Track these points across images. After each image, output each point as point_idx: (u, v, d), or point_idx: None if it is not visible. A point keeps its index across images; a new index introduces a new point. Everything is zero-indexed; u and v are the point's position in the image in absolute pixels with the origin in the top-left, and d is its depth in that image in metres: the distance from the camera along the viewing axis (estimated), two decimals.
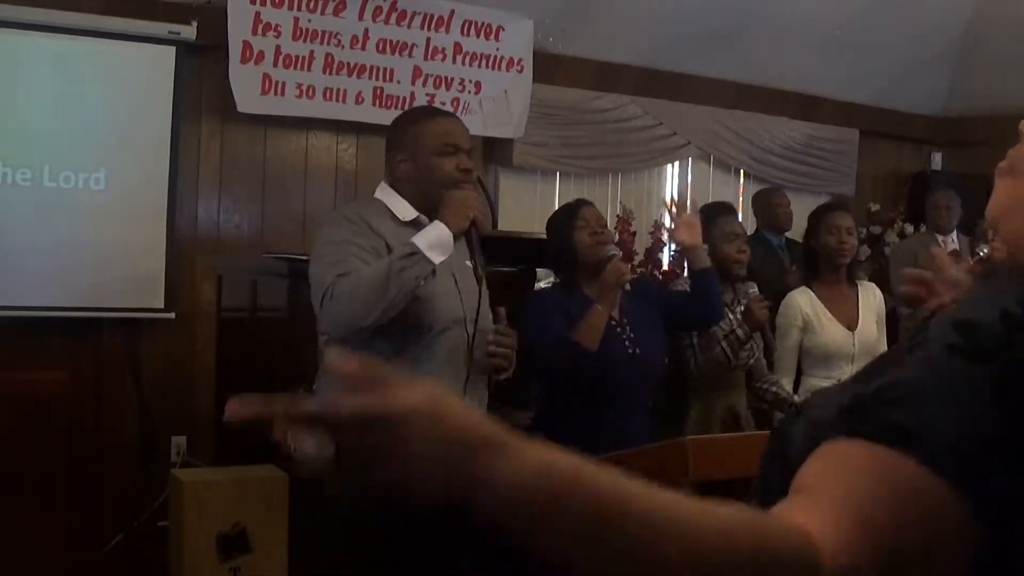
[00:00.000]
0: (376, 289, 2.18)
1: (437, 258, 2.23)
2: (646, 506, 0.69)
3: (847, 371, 3.47)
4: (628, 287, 3.17)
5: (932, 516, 0.74)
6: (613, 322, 3.04)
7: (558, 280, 3.23)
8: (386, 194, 2.44)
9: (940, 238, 5.36)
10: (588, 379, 2.94)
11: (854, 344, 3.46)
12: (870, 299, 3.58)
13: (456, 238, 2.29)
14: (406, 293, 2.20)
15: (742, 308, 3.36)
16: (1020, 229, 0.92)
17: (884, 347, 3.62)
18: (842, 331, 3.47)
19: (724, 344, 3.24)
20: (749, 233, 5.27)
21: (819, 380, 3.49)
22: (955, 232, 5.35)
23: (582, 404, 2.96)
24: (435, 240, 2.24)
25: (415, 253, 2.21)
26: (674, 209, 3.27)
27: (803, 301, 3.50)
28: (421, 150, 2.40)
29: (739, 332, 3.24)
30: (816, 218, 3.59)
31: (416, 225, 2.35)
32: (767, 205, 5.39)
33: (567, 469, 0.69)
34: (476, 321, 2.37)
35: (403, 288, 2.19)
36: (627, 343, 3.03)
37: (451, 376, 2.34)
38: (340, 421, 0.64)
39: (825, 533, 0.73)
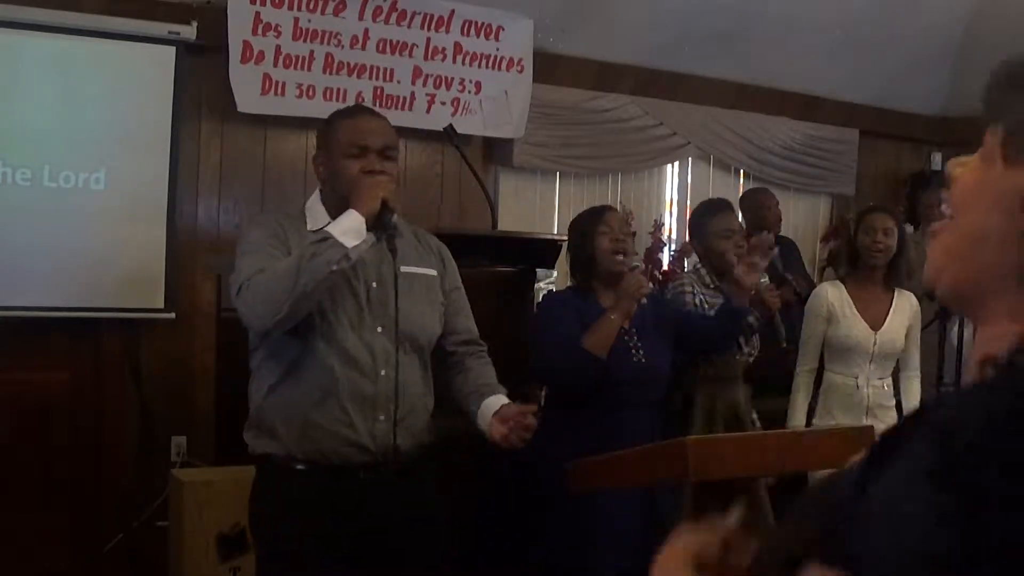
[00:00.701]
0: (288, 277, 2.14)
1: (350, 242, 2.16)
2: None
3: (866, 370, 3.50)
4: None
5: None
6: (622, 329, 3.04)
7: (574, 282, 3.23)
8: (312, 201, 2.43)
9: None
10: (593, 384, 2.94)
11: (875, 343, 3.49)
12: (904, 307, 3.60)
13: (369, 223, 2.21)
14: (319, 280, 2.14)
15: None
16: (957, 278, 0.88)
17: (912, 356, 3.64)
18: (864, 328, 3.50)
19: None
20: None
21: (838, 376, 3.53)
22: None
23: (587, 407, 2.96)
24: (347, 226, 2.18)
25: (327, 239, 2.16)
26: (745, 244, 3.31)
27: (832, 293, 3.57)
28: (332, 153, 2.36)
29: (751, 319, 3.27)
30: (859, 217, 3.66)
31: None
32: (755, 205, 5.39)
33: None
34: (396, 325, 2.29)
35: (315, 274, 2.13)
36: (633, 351, 3.03)
37: (355, 389, 2.27)
38: None
39: None
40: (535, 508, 3.02)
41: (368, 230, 2.21)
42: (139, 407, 4.20)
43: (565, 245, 3.32)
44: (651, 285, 3.05)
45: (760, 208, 5.35)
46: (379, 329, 2.31)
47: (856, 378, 3.51)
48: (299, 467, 2.28)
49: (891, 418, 3.49)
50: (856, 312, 3.53)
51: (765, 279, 3.44)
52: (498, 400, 2.40)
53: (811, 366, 3.58)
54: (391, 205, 2.24)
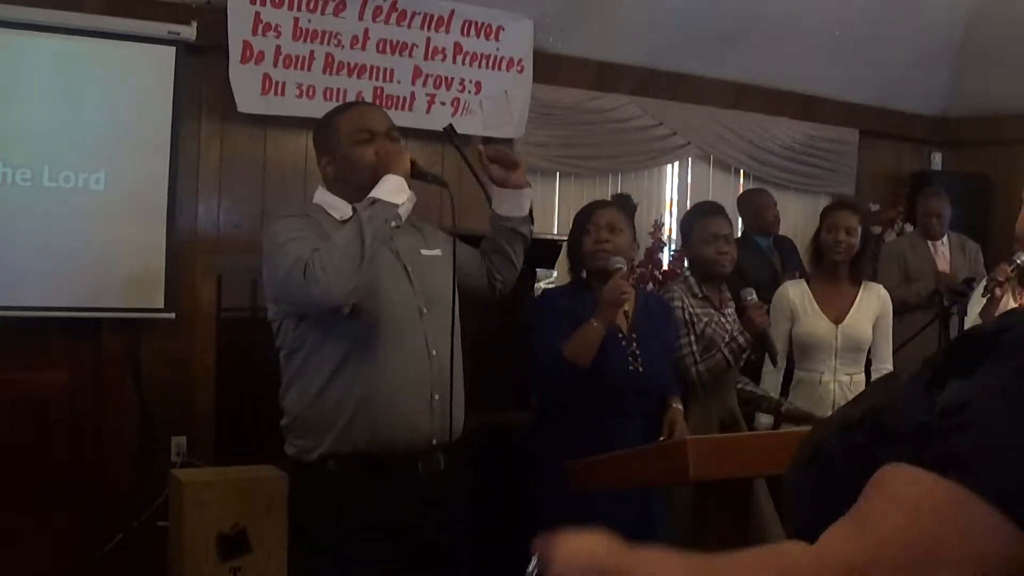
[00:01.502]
0: (353, 243, 2.16)
1: (399, 198, 2.24)
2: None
3: (831, 365, 3.49)
4: (647, 302, 3.12)
5: (994, 552, 0.73)
6: (620, 335, 3.00)
7: (573, 278, 3.20)
8: (323, 197, 2.45)
9: (930, 243, 5.34)
10: (585, 390, 2.91)
11: (836, 337, 3.47)
12: (871, 299, 3.59)
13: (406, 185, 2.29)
14: (382, 240, 2.20)
15: (734, 310, 3.36)
16: None
17: (882, 348, 3.63)
18: (825, 323, 3.49)
19: (726, 351, 3.23)
20: (737, 235, 5.31)
21: (804, 373, 3.52)
22: (946, 236, 5.34)
23: (579, 411, 2.94)
24: (388, 187, 2.25)
25: (376, 201, 2.21)
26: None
27: (793, 292, 3.57)
28: (338, 146, 2.40)
29: (740, 339, 3.23)
30: (823, 214, 3.65)
31: None
32: (753, 207, 5.39)
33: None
34: (433, 306, 2.38)
35: (377, 233, 2.18)
36: (631, 360, 2.98)
37: (412, 369, 2.31)
38: None
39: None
40: (529, 508, 3.02)
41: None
42: (139, 407, 4.20)
43: (565, 244, 3.31)
44: (633, 290, 2.98)
45: (758, 209, 5.36)
46: (424, 311, 2.36)
47: (821, 374, 3.50)
48: (357, 463, 2.26)
49: None
50: (817, 308, 3.53)
51: (752, 294, 3.40)
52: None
53: (779, 365, 3.57)
54: (419, 165, 2.35)
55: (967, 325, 4.03)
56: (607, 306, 2.86)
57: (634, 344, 3.01)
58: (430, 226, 2.66)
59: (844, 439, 0.90)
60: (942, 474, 0.74)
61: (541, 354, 2.91)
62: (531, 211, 2.72)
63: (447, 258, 2.50)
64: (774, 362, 3.43)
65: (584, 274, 3.10)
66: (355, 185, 2.35)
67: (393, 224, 2.22)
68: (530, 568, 1.05)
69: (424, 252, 2.48)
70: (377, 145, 2.37)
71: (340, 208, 2.38)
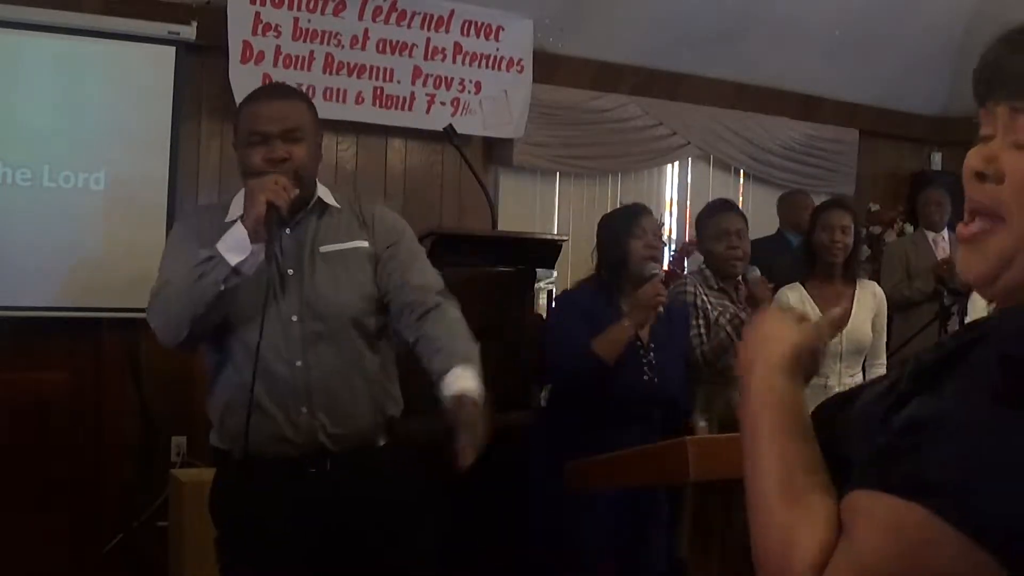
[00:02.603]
0: (180, 299, 2.11)
1: (234, 259, 2.06)
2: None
3: (835, 369, 3.47)
4: (668, 312, 3.12)
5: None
6: (639, 343, 2.99)
7: (592, 282, 3.18)
8: (240, 191, 2.29)
9: (931, 236, 5.36)
10: (600, 396, 2.90)
11: (842, 343, 3.46)
12: (867, 298, 3.57)
13: (257, 232, 2.07)
14: (209, 300, 2.07)
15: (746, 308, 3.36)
16: (1018, 280, 0.84)
17: (878, 346, 3.61)
18: None
19: (729, 328, 3.24)
20: (770, 233, 5.33)
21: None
22: (946, 229, 5.35)
23: (590, 417, 2.93)
24: (232, 241, 2.08)
25: (213, 257, 2.08)
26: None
27: (792, 297, 3.51)
28: (239, 139, 2.30)
29: (742, 315, 3.25)
30: (815, 215, 3.60)
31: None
32: (791, 206, 5.45)
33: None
34: (307, 309, 2.19)
35: (204, 296, 2.07)
36: (646, 369, 2.98)
37: (277, 381, 2.17)
38: None
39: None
40: (529, 506, 3.02)
41: (263, 237, 2.08)
42: (139, 407, 4.20)
43: (566, 245, 3.30)
44: (664, 295, 2.98)
45: (797, 209, 5.39)
46: (294, 318, 2.18)
47: (827, 379, 3.47)
48: (241, 460, 2.19)
49: None
50: (820, 313, 3.49)
51: (756, 272, 3.39)
52: (456, 379, 2.09)
53: None
54: (277, 204, 2.09)
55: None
56: (642, 308, 2.90)
57: (651, 354, 3.00)
58: (370, 210, 2.39)
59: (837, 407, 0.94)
60: (912, 499, 0.74)
61: (567, 346, 2.91)
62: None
63: (354, 252, 2.28)
64: None
65: (621, 279, 3.05)
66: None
67: (223, 287, 2.06)
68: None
69: (326, 248, 2.25)
70: (267, 150, 2.20)
71: (236, 209, 2.22)
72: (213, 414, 2.30)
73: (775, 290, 3.51)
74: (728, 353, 3.28)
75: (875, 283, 3.68)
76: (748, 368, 0.99)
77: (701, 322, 3.30)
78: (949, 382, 0.77)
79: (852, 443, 0.85)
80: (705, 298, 3.35)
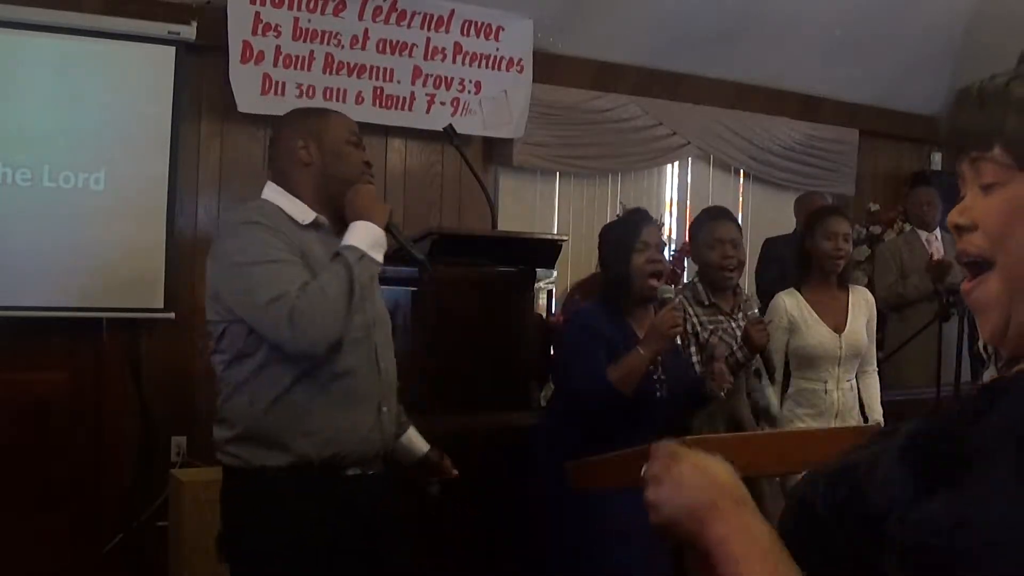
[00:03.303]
0: (344, 296, 2.08)
1: (380, 256, 2.18)
2: None
3: (834, 373, 3.47)
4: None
5: None
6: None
7: (599, 297, 3.12)
8: (277, 195, 2.27)
9: (924, 235, 5.37)
10: (612, 413, 2.87)
11: (840, 347, 3.45)
12: (860, 302, 3.57)
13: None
14: (364, 297, 2.14)
15: (742, 320, 3.33)
16: None
17: (869, 352, 3.61)
18: (828, 333, 3.46)
19: (724, 366, 3.21)
20: (787, 233, 5.34)
21: (807, 382, 3.49)
22: (939, 229, 5.36)
23: (599, 426, 2.89)
24: (371, 241, 2.17)
25: (364, 256, 2.13)
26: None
27: (789, 303, 3.49)
28: (328, 138, 2.29)
29: (739, 355, 3.21)
30: (814, 221, 3.57)
31: (316, 227, 2.25)
32: (807, 207, 5.44)
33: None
34: (377, 321, 2.31)
35: (365, 291, 2.13)
36: (658, 386, 2.94)
37: (364, 383, 2.25)
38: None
39: None
40: (538, 510, 3.01)
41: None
42: (139, 407, 4.20)
43: (566, 245, 3.27)
44: (683, 322, 2.91)
45: (813, 207, 5.39)
46: (373, 326, 2.28)
47: (825, 383, 3.46)
48: (308, 473, 2.17)
49: (855, 419, 3.45)
50: (817, 318, 3.48)
51: (755, 311, 3.35)
52: (418, 439, 2.51)
53: (776, 380, 3.54)
54: (394, 224, 2.28)
55: (968, 323, 4.01)
56: (657, 337, 2.81)
57: (661, 370, 2.95)
58: None
59: (828, 492, 0.89)
60: None
61: (589, 383, 2.82)
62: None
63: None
64: (771, 378, 3.38)
65: (625, 296, 2.98)
66: (328, 183, 2.26)
67: (375, 283, 2.20)
68: (644, 471, 0.99)
69: None
70: (364, 155, 2.34)
71: (299, 212, 2.24)
72: (283, 425, 2.17)
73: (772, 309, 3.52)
74: (742, 368, 3.25)
75: (867, 289, 3.69)
76: (704, 516, 0.90)
77: (694, 348, 3.25)
78: (971, 472, 0.74)
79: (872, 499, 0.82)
80: (695, 320, 3.29)
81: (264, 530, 2.16)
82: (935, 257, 5.16)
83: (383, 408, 2.29)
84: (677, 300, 2.90)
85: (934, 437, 0.81)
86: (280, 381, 2.15)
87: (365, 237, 2.16)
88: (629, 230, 3.00)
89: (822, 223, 3.50)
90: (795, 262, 3.62)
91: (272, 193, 2.28)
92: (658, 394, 2.93)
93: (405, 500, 2.46)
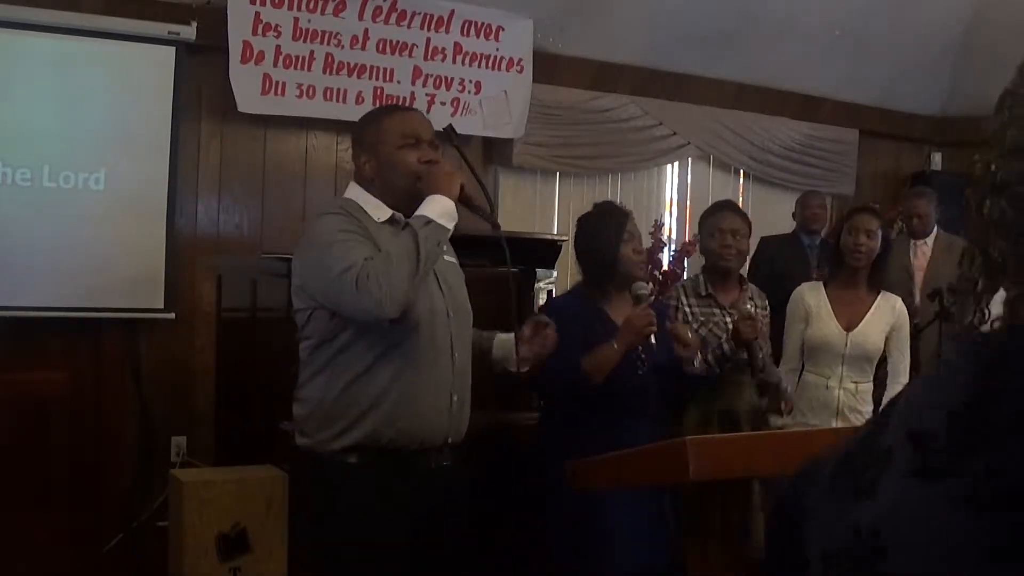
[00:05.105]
0: (409, 261, 2.15)
1: (449, 224, 2.25)
2: None
3: (838, 371, 3.47)
4: (655, 309, 3.09)
5: None
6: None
7: (578, 287, 3.16)
8: (358, 194, 2.42)
9: (912, 242, 5.35)
10: (594, 395, 2.91)
11: (846, 344, 3.46)
12: (885, 310, 3.54)
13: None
14: (433, 262, 2.24)
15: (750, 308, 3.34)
16: None
17: (898, 364, 3.58)
18: (836, 329, 3.47)
19: (710, 357, 3.22)
20: (782, 234, 5.34)
21: (811, 376, 3.51)
22: (935, 232, 5.33)
23: (587, 413, 2.94)
24: (441, 210, 2.25)
25: (430, 222, 2.22)
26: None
27: (809, 294, 3.56)
28: (382, 147, 2.39)
29: (725, 347, 3.23)
30: (844, 217, 3.64)
31: (393, 223, 2.35)
32: (801, 206, 5.44)
33: None
34: (455, 311, 2.42)
35: (431, 256, 2.21)
36: (639, 364, 2.97)
37: (439, 370, 2.35)
38: None
39: None
40: (539, 509, 3.02)
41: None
42: (139, 407, 4.20)
43: (566, 245, 3.29)
44: (655, 321, 2.95)
45: (804, 208, 5.40)
46: (451, 315, 2.40)
47: (828, 379, 3.47)
48: (377, 456, 2.28)
49: (859, 422, 3.45)
50: (832, 312, 3.50)
51: (748, 305, 3.37)
52: (508, 335, 2.56)
53: (792, 366, 3.56)
54: (467, 192, 2.35)
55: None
56: (631, 334, 2.86)
57: (640, 348, 3.00)
58: None
59: (792, 493, 0.90)
60: None
61: (559, 370, 2.85)
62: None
63: (458, 266, 2.57)
64: (753, 374, 3.35)
65: (608, 283, 3.04)
66: (393, 189, 2.37)
67: (442, 249, 2.28)
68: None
69: (447, 258, 2.50)
70: (421, 153, 2.38)
71: (377, 210, 2.37)
72: (360, 405, 2.28)
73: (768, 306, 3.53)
74: (708, 379, 3.24)
75: (898, 298, 3.65)
76: None
77: None
78: (881, 481, 0.73)
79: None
80: (688, 309, 3.32)
81: (329, 512, 2.30)
82: (917, 267, 5.16)
83: (454, 397, 2.38)
84: (652, 298, 2.96)
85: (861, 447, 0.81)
86: (357, 363, 2.28)
87: (434, 208, 2.25)
88: (616, 221, 3.07)
89: (850, 218, 3.55)
90: (829, 258, 3.67)
91: (353, 192, 2.43)
92: (640, 371, 2.96)
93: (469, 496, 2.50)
